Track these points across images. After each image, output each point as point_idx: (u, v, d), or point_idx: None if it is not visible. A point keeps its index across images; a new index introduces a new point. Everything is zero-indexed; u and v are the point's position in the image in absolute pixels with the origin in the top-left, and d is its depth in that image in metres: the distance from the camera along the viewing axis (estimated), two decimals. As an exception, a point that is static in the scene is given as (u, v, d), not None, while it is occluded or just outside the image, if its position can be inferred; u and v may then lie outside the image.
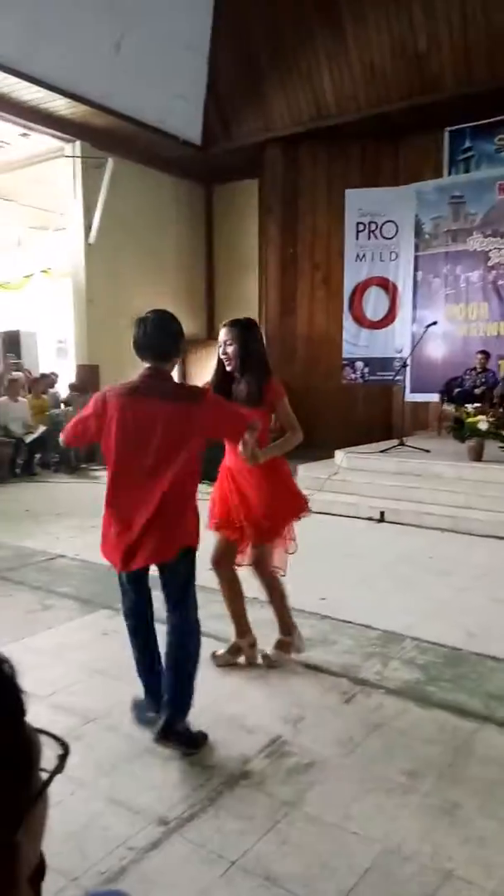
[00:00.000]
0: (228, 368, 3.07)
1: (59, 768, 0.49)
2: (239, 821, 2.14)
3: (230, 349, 3.02)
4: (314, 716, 2.80)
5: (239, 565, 3.29)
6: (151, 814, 2.17)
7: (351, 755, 2.52)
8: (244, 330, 3.06)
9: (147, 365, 2.57)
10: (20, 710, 0.48)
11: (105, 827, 2.11)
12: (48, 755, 0.51)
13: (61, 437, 2.72)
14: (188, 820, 2.14)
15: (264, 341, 3.22)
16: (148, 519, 2.48)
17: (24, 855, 0.47)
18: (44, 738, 0.51)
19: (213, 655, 3.26)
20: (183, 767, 2.44)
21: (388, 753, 2.53)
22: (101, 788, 2.29)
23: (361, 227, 10.07)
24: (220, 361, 3.08)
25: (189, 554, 2.60)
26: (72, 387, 10.32)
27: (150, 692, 2.65)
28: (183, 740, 2.51)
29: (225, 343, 3.04)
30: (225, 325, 3.08)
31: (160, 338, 2.57)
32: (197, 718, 2.78)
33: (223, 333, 3.06)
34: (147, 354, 2.57)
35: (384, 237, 10.05)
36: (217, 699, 2.93)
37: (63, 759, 0.50)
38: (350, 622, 3.83)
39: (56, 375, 11.33)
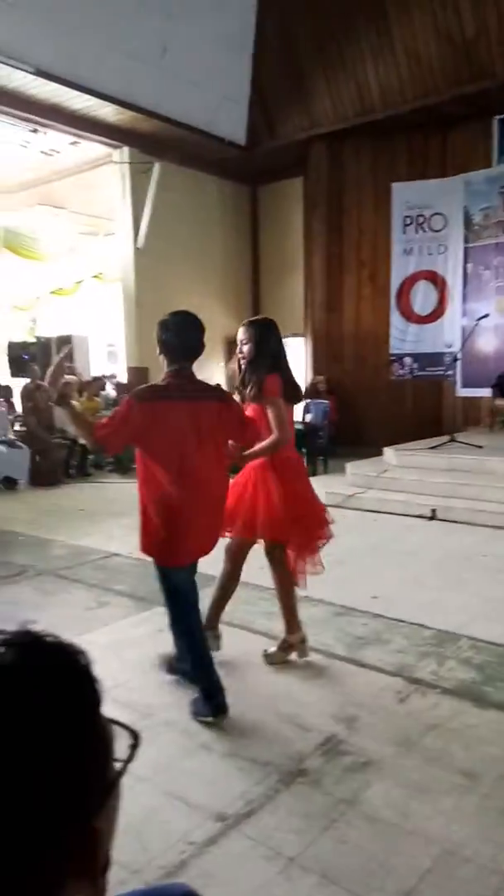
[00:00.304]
0: (242, 365, 3.17)
1: (132, 757, 0.51)
2: (296, 818, 2.16)
3: (245, 348, 3.12)
4: (369, 715, 2.79)
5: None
6: (209, 809, 2.20)
7: (407, 755, 2.51)
8: (258, 329, 3.15)
9: (181, 365, 2.68)
10: (98, 700, 0.49)
11: (164, 821, 2.15)
12: (118, 746, 0.53)
13: (95, 439, 2.62)
14: (246, 816, 2.17)
15: (282, 341, 3.26)
16: (209, 512, 2.68)
17: (104, 841, 0.49)
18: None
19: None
20: (240, 764, 2.47)
21: (446, 754, 2.51)
22: (159, 783, 2.33)
23: (409, 220, 9.93)
24: (239, 359, 3.20)
25: None
26: (118, 387, 10.51)
27: (215, 688, 2.71)
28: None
29: (241, 342, 3.14)
30: (242, 325, 3.19)
31: (198, 338, 2.70)
32: (251, 716, 2.81)
33: (240, 332, 3.16)
34: (190, 356, 2.69)
35: (432, 230, 9.87)
36: (271, 697, 2.95)
37: (134, 748, 0.51)
38: (403, 621, 3.80)
39: (113, 376, 11.56)
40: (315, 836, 2.07)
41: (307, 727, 2.70)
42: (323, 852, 2.00)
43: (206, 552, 2.79)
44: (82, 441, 9.00)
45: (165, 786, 2.33)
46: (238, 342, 3.15)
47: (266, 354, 3.10)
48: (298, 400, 3.25)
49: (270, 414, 3.02)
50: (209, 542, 2.79)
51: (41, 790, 0.43)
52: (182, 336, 2.68)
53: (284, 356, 3.22)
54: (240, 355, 3.15)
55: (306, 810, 2.19)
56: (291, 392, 3.15)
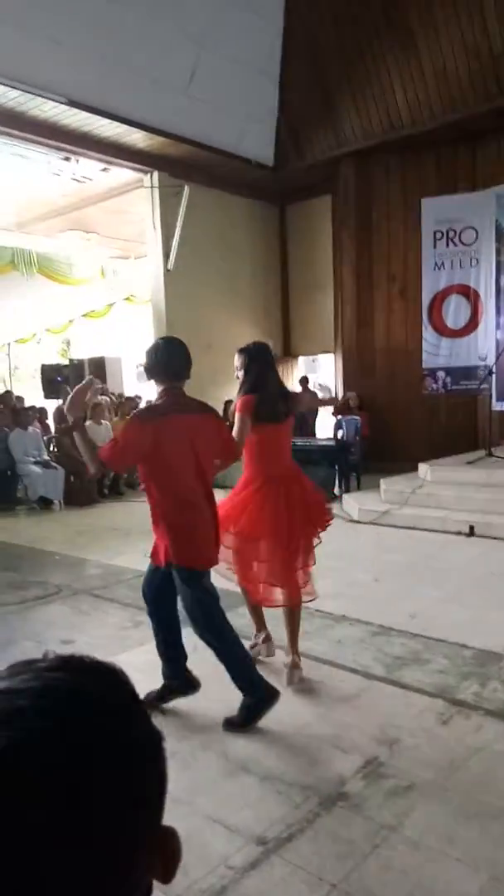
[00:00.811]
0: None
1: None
2: (338, 843, 2.10)
3: (239, 373, 3.41)
4: (410, 737, 2.72)
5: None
6: (249, 833, 2.17)
7: (451, 779, 2.44)
8: (245, 355, 3.40)
9: (173, 385, 2.89)
10: (144, 708, 0.50)
11: (204, 844, 2.12)
12: None
13: (103, 461, 2.72)
14: (287, 840, 2.12)
15: (269, 362, 3.47)
16: (216, 519, 2.93)
17: (177, 841, 0.50)
18: None
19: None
20: (279, 787, 2.42)
21: (491, 777, 2.43)
22: (198, 806, 2.30)
23: (439, 235, 9.88)
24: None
25: None
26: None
27: (258, 680, 2.82)
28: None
29: (236, 368, 3.43)
30: (238, 351, 3.46)
31: (182, 362, 2.93)
32: (290, 738, 2.76)
33: (235, 359, 3.43)
34: (182, 375, 2.91)
35: (463, 244, 9.81)
36: (309, 720, 2.90)
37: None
38: (443, 640, 3.71)
39: (138, 398, 11.67)
40: (358, 862, 2.01)
41: (347, 749, 2.65)
42: (366, 879, 1.94)
43: (213, 562, 2.98)
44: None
45: (204, 808, 2.30)
46: (235, 367, 3.43)
47: (247, 379, 3.34)
48: (277, 419, 3.34)
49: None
50: (216, 553, 3.00)
51: (115, 792, 0.44)
52: (169, 358, 2.90)
53: (269, 377, 3.39)
54: (237, 378, 3.42)
55: (348, 835, 2.14)
56: (266, 411, 3.26)
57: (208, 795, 2.37)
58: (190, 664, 3.36)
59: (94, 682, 0.47)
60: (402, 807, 2.27)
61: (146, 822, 0.46)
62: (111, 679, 0.49)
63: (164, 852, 0.48)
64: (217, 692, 3.18)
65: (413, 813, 2.24)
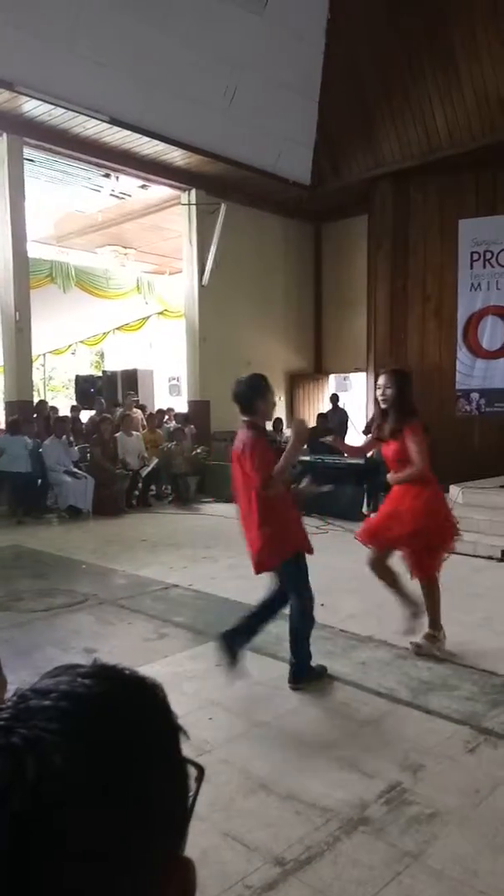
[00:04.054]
0: (383, 407, 3.71)
1: (197, 790, 0.50)
2: (358, 868, 2.06)
3: (388, 392, 3.66)
4: (435, 764, 2.66)
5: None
6: (267, 852, 2.13)
7: (477, 808, 2.37)
8: (399, 377, 3.73)
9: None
10: (178, 732, 0.49)
11: (221, 862, 2.09)
12: None
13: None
14: (306, 863, 2.08)
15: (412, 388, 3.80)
16: None
17: (193, 871, 0.48)
18: None
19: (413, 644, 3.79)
20: (298, 807, 2.38)
21: (519, 810, 2.36)
22: (216, 822, 2.27)
23: (476, 256, 9.83)
24: (377, 400, 3.75)
25: None
26: (178, 418, 10.70)
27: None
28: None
29: (384, 387, 3.67)
30: (384, 373, 3.78)
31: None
32: (312, 758, 2.72)
33: (382, 379, 3.72)
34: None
35: (501, 265, 9.74)
36: (332, 741, 2.86)
37: (200, 781, 0.50)
38: (472, 667, 3.63)
39: (171, 410, 11.79)
40: (378, 889, 1.96)
41: (370, 773, 2.60)
42: (387, 908, 1.89)
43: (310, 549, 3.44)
44: (143, 472, 9.27)
45: (222, 825, 2.27)
46: (380, 386, 3.70)
47: (403, 398, 3.68)
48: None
49: (411, 449, 3.61)
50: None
51: (141, 815, 0.42)
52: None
53: None
54: (381, 398, 3.69)
55: (369, 861, 2.09)
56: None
57: (227, 812, 2.34)
58: (214, 677, 3.34)
59: (122, 692, 0.47)
60: (424, 835, 2.22)
61: (151, 846, 0.43)
62: (141, 692, 0.49)
63: (178, 883, 0.46)
64: (241, 707, 3.16)
65: (436, 842, 2.18)
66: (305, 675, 3.37)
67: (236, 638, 3.34)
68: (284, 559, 3.29)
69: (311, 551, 3.35)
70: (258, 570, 3.37)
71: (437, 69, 9.09)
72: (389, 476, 3.75)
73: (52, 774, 0.40)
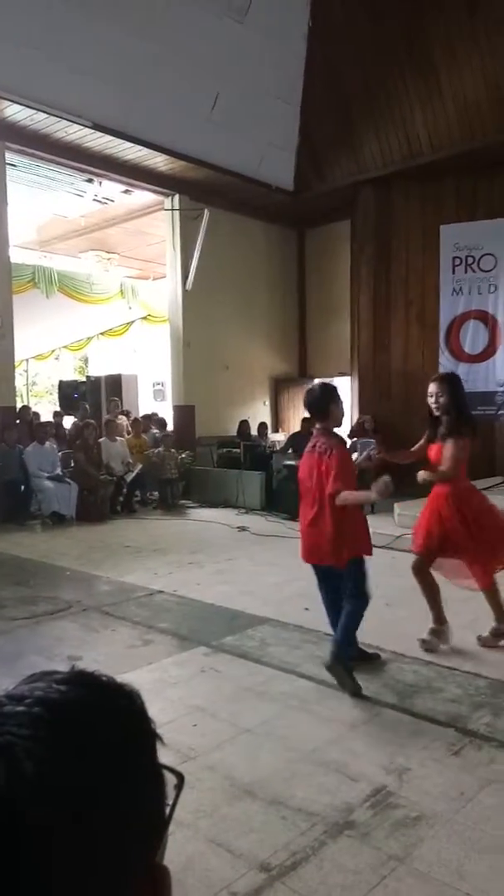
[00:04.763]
0: (437, 413, 3.78)
1: (177, 798, 0.50)
2: (344, 873, 2.05)
3: (441, 399, 3.73)
4: (420, 767, 2.66)
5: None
6: (253, 858, 2.12)
7: (462, 811, 2.37)
8: (450, 384, 3.78)
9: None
10: (155, 736, 0.49)
11: (206, 869, 2.07)
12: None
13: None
14: (291, 868, 2.07)
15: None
16: None
17: (169, 879, 0.47)
18: None
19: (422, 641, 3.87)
20: (284, 812, 2.37)
21: (503, 811, 2.36)
22: (201, 829, 2.26)
23: (458, 261, 9.92)
24: (429, 408, 3.83)
25: None
26: (161, 424, 10.68)
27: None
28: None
29: (436, 395, 3.74)
30: (434, 380, 3.82)
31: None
32: (297, 763, 2.71)
33: (433, 387, 3.76)
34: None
35: (482, 270, 9.84)
36: (317, 745, 2.85)
37: (179, 788, 0.50)
38: (455, 669, 3.65)
39: (155, 414, 11.74)
40: (364, 893, 1.96)
41: (355, 777, 2.59)
42: (373, 912, 1.89)
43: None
44: (128, 478, 9.22)
45: (207, 832, 2.25)
46: (432, 393, 3.75)
47: (458, 405, 3.75)
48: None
49: (446, 455, 3.73)
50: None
51: (114, 822, 0.42)
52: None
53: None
54: (434, 405, 3.75)
55: (354, 865, 2.09)
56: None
57: (212, 819, 2.33)
58: (198, 683, 3.33)
59: (97, 698, 0.47)
60: (410, 838, 2.22)
61: (123, 851, 0.42)
62: (116, 699, 0.48)
63: (152, 890, 0.45)
64: (226, 713, 3.15)
65: (422, 845, 2.18)
66: (345, 657, 3.42)
67: (341, 652, 3.38)
68: (358, 556, 3.44)
69: (371, 554, 3.55)
70: (324, 561, 3.46)
71: (417, 75, 9.18)
72: (420, 473, 3.79)
73: (22, 779, 0.40)
